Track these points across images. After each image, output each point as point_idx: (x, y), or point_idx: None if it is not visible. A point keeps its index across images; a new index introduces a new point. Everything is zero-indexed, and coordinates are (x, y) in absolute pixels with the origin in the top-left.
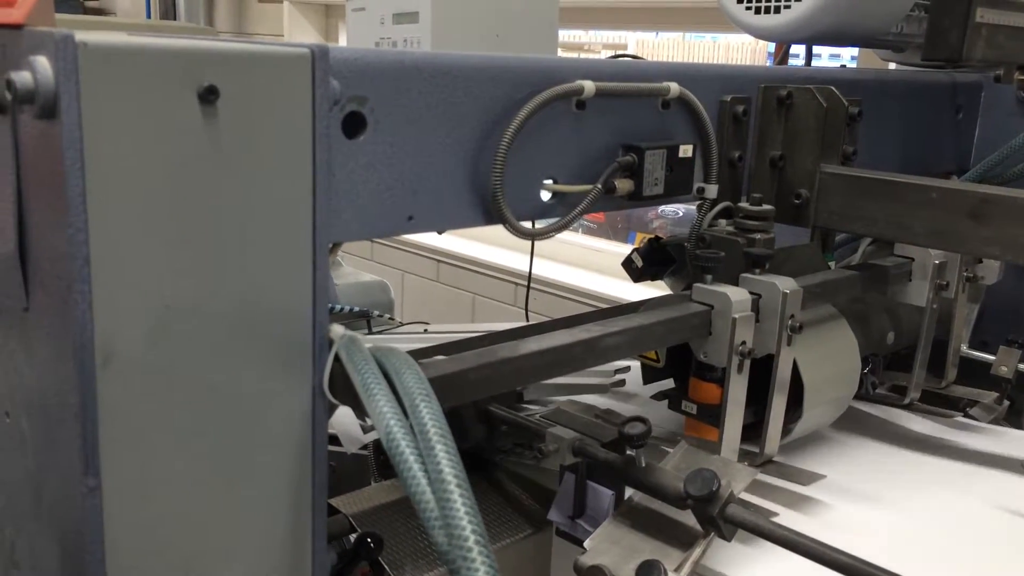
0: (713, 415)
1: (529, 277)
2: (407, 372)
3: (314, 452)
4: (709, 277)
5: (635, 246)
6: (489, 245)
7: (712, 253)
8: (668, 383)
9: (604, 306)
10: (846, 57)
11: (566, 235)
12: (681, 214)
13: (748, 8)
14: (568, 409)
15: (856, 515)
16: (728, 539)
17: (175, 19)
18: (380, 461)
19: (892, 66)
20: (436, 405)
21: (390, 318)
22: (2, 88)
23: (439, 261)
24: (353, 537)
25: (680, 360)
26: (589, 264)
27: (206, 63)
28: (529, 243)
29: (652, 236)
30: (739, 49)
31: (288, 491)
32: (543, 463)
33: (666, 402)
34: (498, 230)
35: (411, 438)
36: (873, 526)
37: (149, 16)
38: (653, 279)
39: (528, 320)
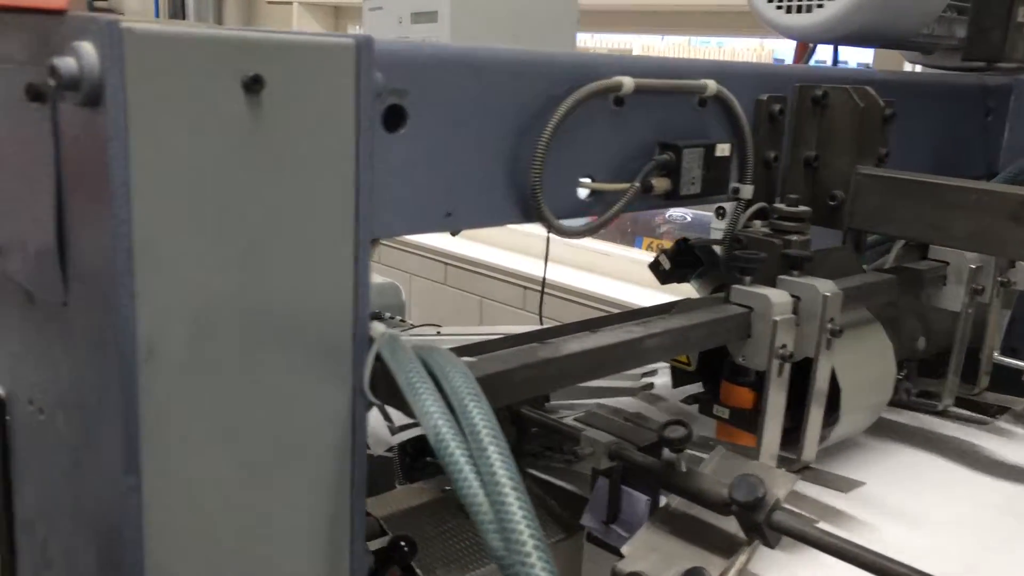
0: (745, 419)
1: (543, 280)
2: (454, 371)
3: (354, 453)
4: (748, 279)
5: (643, 250)
6: (496, 248)
7: (752, 254)
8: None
9: (613, 310)
10: (854, 61)
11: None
12: (689, 219)
13: (779, 8)
14: (600, 412)
15: (896, 525)
16: (772, 546)
17: (184, 19)
18: (406, 464)
19: (909, 67)
20: (486, 405)
21: (401, 320)
22: (44, 75)
23: (447, 264)
24: (382, 541)
25: (711, 364)
26: (596, 268)
27: (252, 52)
28: (537, 246)
29: (680, 238)
30: (743, 55)
31: (327, 492)
32: (576, 467)
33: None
34: (504, 232)
35: (461, 439)
36: (913, 536)
37: (157, 15)
38: (680, 281)
39: (542, 323)
